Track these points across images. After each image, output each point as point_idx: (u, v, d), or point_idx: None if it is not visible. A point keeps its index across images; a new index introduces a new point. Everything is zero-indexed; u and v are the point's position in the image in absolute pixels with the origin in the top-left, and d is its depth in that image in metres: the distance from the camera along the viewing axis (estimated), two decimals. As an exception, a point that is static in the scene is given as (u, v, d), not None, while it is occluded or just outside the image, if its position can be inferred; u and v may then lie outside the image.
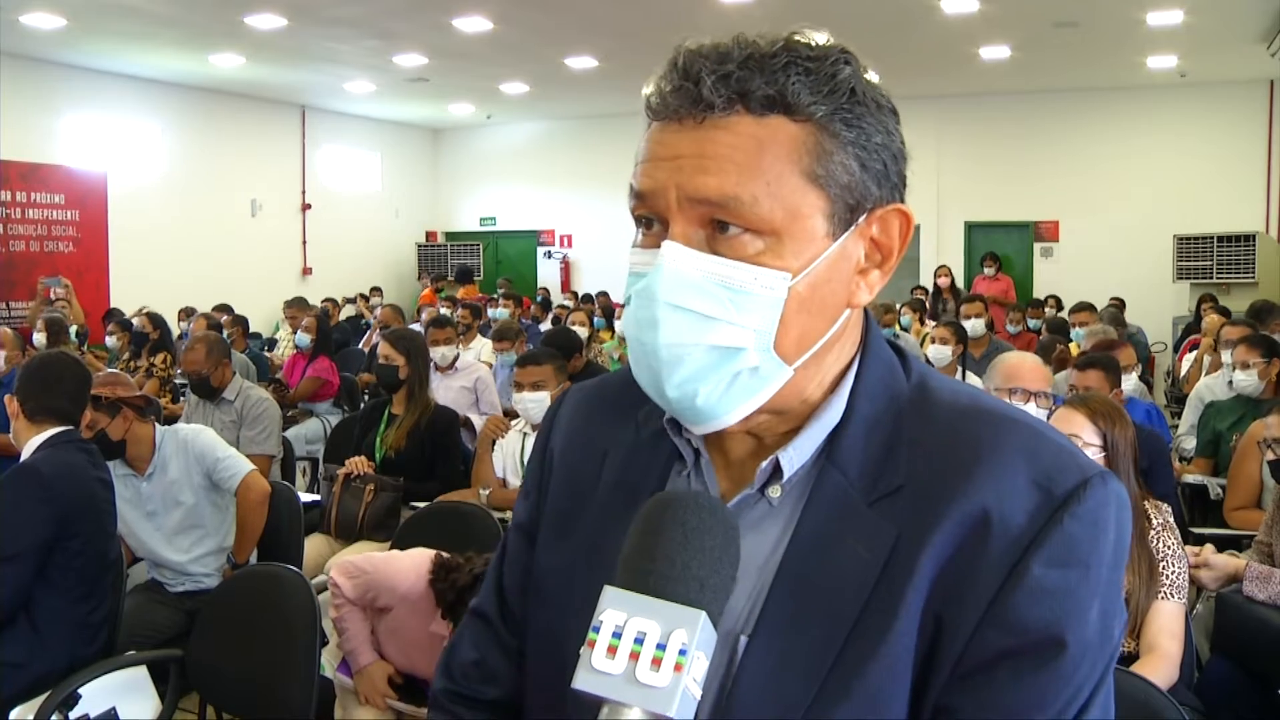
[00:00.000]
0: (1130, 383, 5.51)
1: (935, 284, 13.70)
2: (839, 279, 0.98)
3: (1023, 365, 3.90)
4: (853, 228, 0.97)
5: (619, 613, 0.84)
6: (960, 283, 15.91)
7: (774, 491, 1.01)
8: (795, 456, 1.00)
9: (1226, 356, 5.85)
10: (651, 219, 0.99)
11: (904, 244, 1.01)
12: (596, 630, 0.84)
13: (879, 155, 0.97)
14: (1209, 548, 3.42)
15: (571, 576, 1.08)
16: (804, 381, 1.00)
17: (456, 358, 6.90)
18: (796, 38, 0.97)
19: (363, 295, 15.70)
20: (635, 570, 0.86)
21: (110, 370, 4.97)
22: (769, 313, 0.94)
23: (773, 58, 0.94)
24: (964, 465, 0.95)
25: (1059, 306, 12.68)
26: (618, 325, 9.68)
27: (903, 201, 1.01)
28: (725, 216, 0.94)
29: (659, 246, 0.95)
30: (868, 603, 0.93)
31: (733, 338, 0.94)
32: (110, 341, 9.46)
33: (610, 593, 0.86)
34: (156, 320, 8.95)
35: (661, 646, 0.82)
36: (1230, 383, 5.57)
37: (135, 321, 9.27)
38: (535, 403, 4.75)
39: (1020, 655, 0.90)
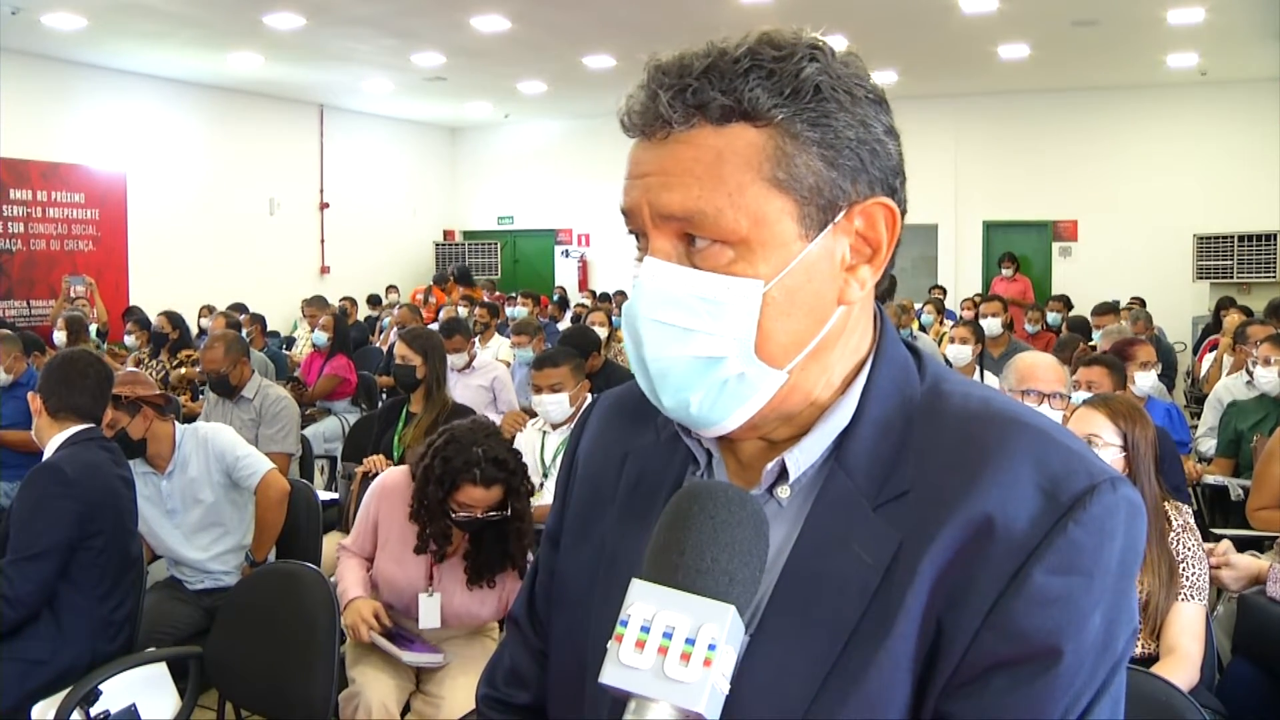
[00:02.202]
0: (1149, 380, 5.46)
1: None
2: (821, 279, 0.97)
3: (1037, 366, 3.87)
4: (828, 227, 0.97)
5: (647, 606, 0.84)
6: (978, 284, 15.88)
7: (782, 492, 1.01)
8: (802, 458, 1.00)
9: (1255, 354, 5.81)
10: (638, 234, 1.01)
11: (892, 236, 1.00)
12: (624, 624, 0.84)
13: (852, 151, 0.96)
14: (1225, 543, 3.40)
15: (591, 578, 1.09)
16: (807, 383, 1.00)
17: (474, 357, 6.91)
18: (766, 38, 0.96)
19: (374, 298, 15.73)
20: (663, 564, 0.86)
21: (130, 369, 4.99)
22: (745, 320, 0.95)
23: (735, 63, 0.94)
24: (970, 470, 0.94)
25: (1069, 307, 12.57)
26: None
27: (894, 193, 0.99)
28: (692, 230, 0.95)
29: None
30: (868, 608, 0.92)
31: (712, 347, 0.95)
32: (129, 341, 9.51)
33: (638, 586, 0.85)
34: (175, 319, 8.98)
35: (691, 641, 0.81)
36: (1249, 381, 5.53)
37: (154, 320, 9.30)
38: (554, 404, 4.76)
39: (1018, 664, 0.89)
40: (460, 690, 3.31)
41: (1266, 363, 5.35)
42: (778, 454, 1.01)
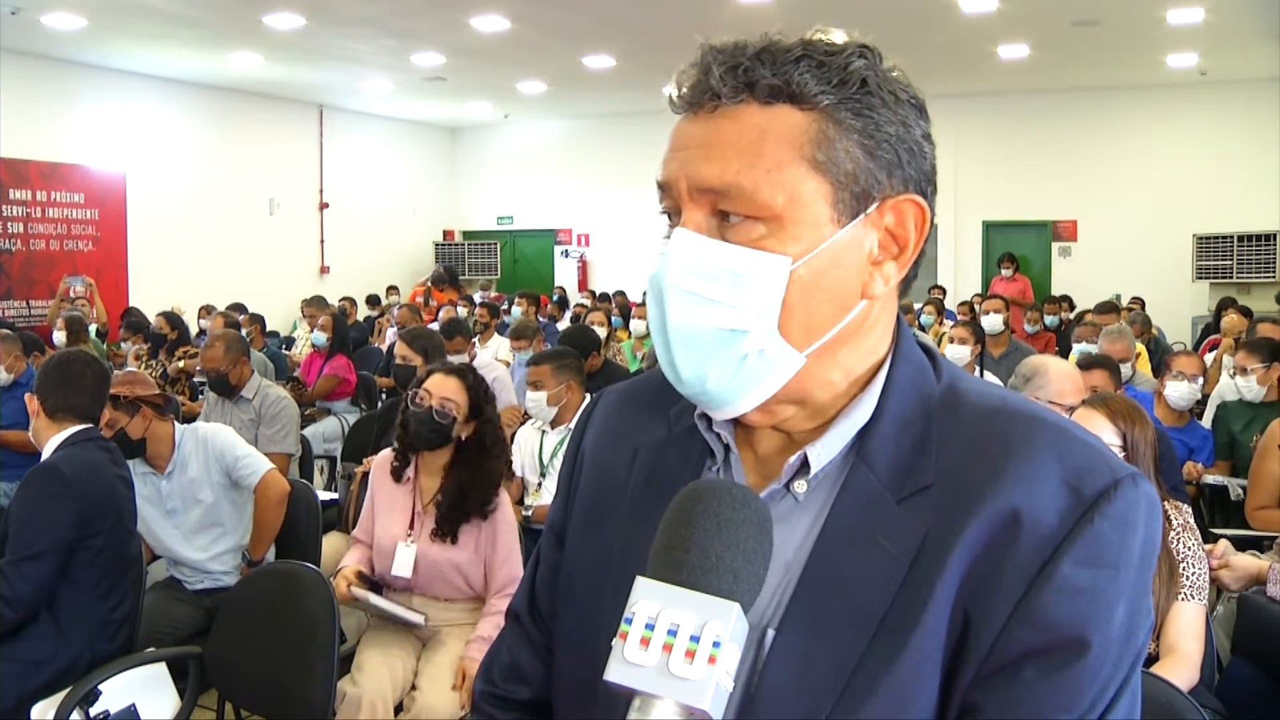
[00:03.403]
0: (1179, 391, 5.34)
1: None
2: (848, 267, 0.99)
3: (1074, 378, 3.86)
4: (860, 216, 0.98)
5: (652, 604, 0.84)
6: (978, 284, 15.88)
7: (799, 486, 1.01)
8: (823, 452, 1.01)
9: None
10: (671, 211, 1.02)
11: (921, 235, 1.02)
12: (629, 622, 0.84)
13: (891, 146, 0.98)
14: (1224, 544, 3.40)
15: (602, 573, 1.09)
16: (823, 373, 1.01)
17: (473, 358, 6.90)
18: (820, 34, 1.00)
19: (373, 298, 15.71)
20: (668, 561, 0.86)
21: (129, 369, 4.98)
22: (771, 296, 0.96)
23: (787, 51, 0.97)
24: (994, 465, 0.95)
25: (1072, 307, 12.64)
26: (634, 324, 9.69)
27: (925, 196, 1.02)
28: (727, 205, 0.97)
29: None
30: (895, 600, 0.93)
31: (736, 320, 0.96)
32: (125, 347, 9.46)
33: (643, 584, 0.86)
34: (174, 320, 8.96)
35: (695, 638, 0.82)
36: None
37: (153, 322, 9.27)
38: (533, 401, 4.79)
39: (1047, 654, 0.90)
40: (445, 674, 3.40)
41: (1244, 372, 5.32)
42: (797, 449, 1.02)
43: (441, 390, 3.58)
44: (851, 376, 1.03)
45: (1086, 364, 4.85)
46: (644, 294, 14.11)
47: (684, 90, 1.00)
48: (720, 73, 0.96)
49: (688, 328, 0.97)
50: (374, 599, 3.45)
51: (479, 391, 3.66)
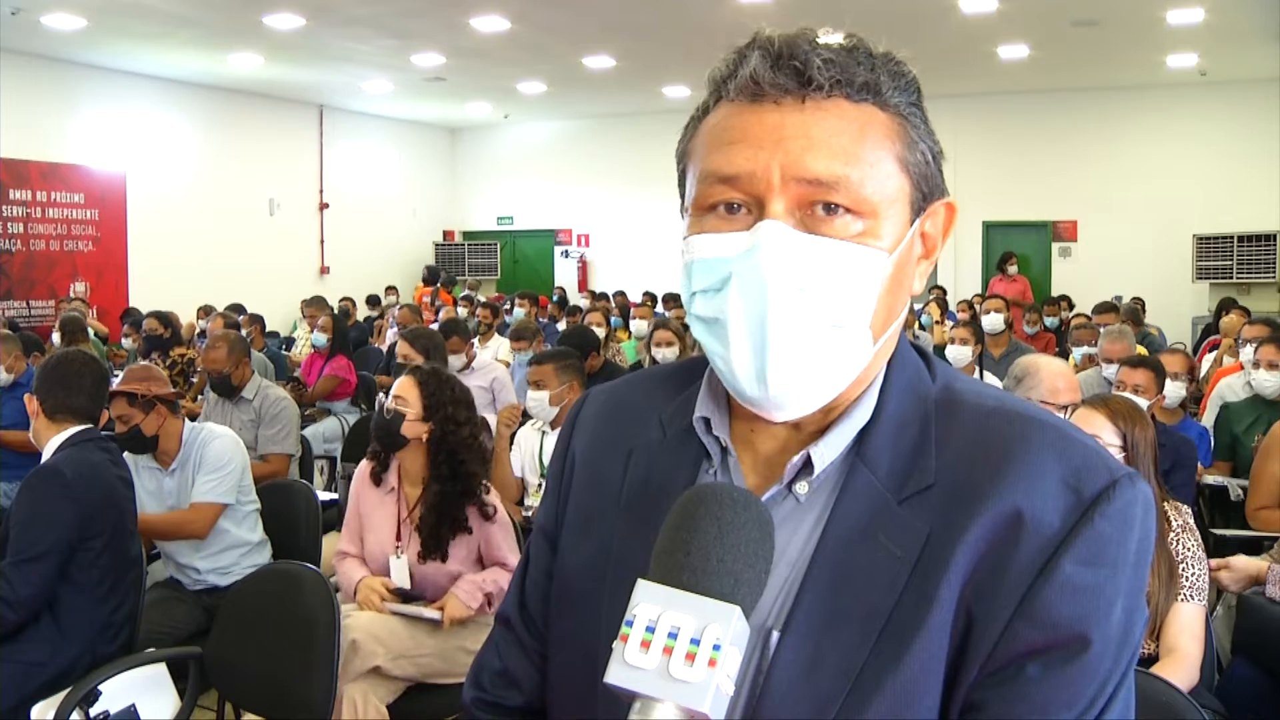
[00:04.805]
0: (1176, 392, 5.35)
1: None
2: (910, 264, 1.02)
3: (1065, 375, 3.87)
4: (922, 215, 1.01)
5: (653, 607, 0.84)
6: (978, 284, 15.89)
7: (801, 488, 1.01)
8: (826, 452, 1.01)
9: (1245, 354, 5.78)
10: (736, 203, 0.98)
11: (946, 236, 1.05)
12: (630, 624, 0.84)
13: (939, 152, 1.03)
14: (1238, 558, 3.40)
15: (599, 576, 1.08)
16: (866, 367, 1.00)
17: (472, 358, 6.90)
18: (858, 39, 1.02)
19: (373, 298, 15.70)
20: (669, 565, 0.86)
21: (144, 364, 4.97)
22: (869, 291, 0.96)
23: (854, 50, 0.99)
24: (995, 465, 0.96)
25: (1071, 307, 12.65)
26: (634, 325, 9.68)
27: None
28: (833, 197, 0.95)
29: (747, 229, 0.96)
30: (900, 600, 0.93)
31: (840, 316, 0.95)
32: (126, 344, 9.46)
33: (644, 587, 0.86)
34: (165, 319, 8.92)
35: (695, 641, 0.82)
36: (1249, 382, 5.51)
37: (144, 323, 9.24)
38: (535, 401, 4.80)
39: (1049, 651, 0.91)
40: None
41: (1271, 366, 5.31)
42: (797, 449, 1.02)
43: (397, 390, 3.65)
44: (871, 377, 1.03)
45: (1134, 363, 4.88)
46: (644, 294, 14.23)
47: (768, 76, 0.96)
48: (819, 63, 0.95)
49: (789, 324, 0.94)
50: (406, 608, 3.48)
51: (436, 391, 3.62)
